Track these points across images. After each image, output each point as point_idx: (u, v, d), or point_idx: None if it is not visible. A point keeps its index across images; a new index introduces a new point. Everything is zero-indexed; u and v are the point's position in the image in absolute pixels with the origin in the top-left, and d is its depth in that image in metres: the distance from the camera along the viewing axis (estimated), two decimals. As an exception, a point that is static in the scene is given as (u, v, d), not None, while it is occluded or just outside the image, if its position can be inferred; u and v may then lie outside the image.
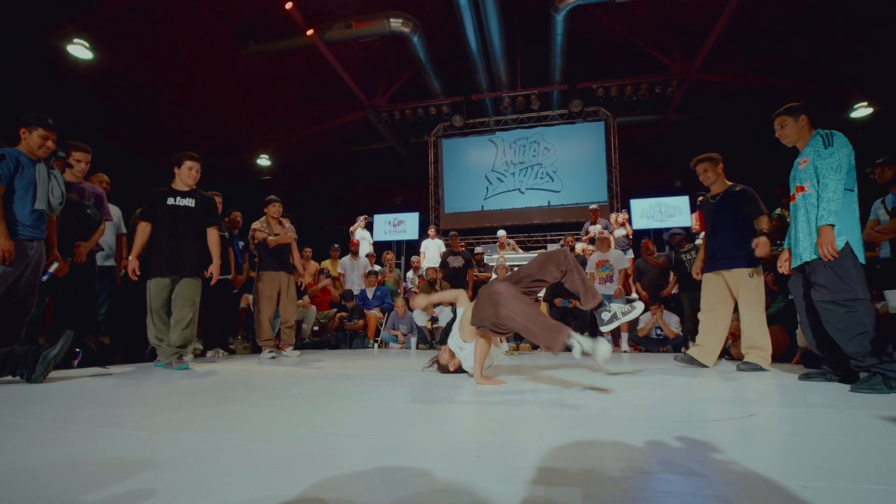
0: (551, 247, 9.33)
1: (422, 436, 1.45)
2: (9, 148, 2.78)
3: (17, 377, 2.48)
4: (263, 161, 11.77)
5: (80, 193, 3.67)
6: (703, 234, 4.59)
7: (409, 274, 8.28)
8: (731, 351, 4.63)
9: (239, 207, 5.96)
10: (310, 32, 8.19)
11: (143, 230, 3.59)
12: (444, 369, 3.06)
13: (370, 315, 6.70)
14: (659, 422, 1.62)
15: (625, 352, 5.67)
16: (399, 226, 11.68)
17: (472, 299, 7.26)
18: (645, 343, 5.75)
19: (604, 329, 2.54)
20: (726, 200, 3.59)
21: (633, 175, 10.90)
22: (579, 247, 7.52)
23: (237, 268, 5.24)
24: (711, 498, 0.90)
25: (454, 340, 2.91)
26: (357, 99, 10.34)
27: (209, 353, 4.68)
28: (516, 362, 4.20)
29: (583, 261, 6.98)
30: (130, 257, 3.52)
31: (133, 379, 2.87)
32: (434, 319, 6.57)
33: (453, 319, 6.62)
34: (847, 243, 2.45)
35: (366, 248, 8.55)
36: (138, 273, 3.50)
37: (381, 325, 6.81)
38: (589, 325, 6.11)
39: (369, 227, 9.49)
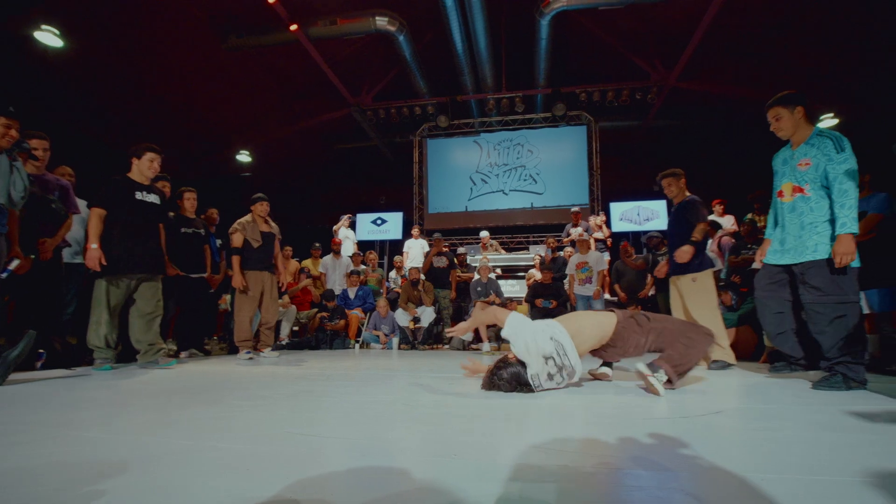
0: (534, 248, 9.42)
1: (399, 436, 1.46)
2: None
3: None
4: (244, 157, 11.60)
5: (43, 186, 3.47)
6: None
7: (392, 274, 8.27)
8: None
9: (217, 204, 5.86)
10: (293, 28, 8.11)
11: (101, 217, 3.37)
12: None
13: (351, 315, 6.66)
14: (631, 419, 1.66)
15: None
16: (382, 225, 11.64)
17: (454, 299, 7.24)
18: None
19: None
20: (679, 210, 3.81)
21: (613, 178, 11.10)
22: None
23: (214, 267, 5.15)
24: (676, 491, 0.94)
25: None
26: (341, 96, 10.28)
27: (183, 354, 4.57)
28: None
29: (564, 262, 7.09)
30: (93, 245, 3.28)
31: (101, 381, 2.79)
32: (416, 319, 6.57)
33: (436, 320, 6.69)
34: None
35: (349, 247, 8.50)
36: (104, 263, 3.30)
37: (363, 325, 6.78)
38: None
39: (352, 225, 9.44)
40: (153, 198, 3.65)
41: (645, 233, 7.46)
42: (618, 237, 9.01)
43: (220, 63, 8.90)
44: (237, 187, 12.20)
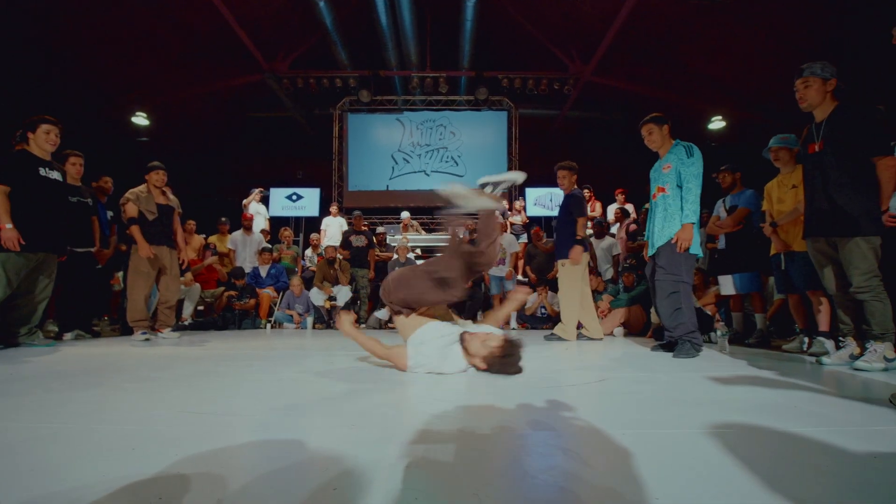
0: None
1: (303, 412, 1.45)
2: None
3: None
4: (140, 120, 10.36)
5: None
6: None
7: (308, 252, 7.98)
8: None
9: (109, 172, 5.23)
10: (199, -22, 7.32)
11: (6, 193, 3.24)
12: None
13: (263, 294, 6.36)
14: (530, 388, 1.81)
15: (513, 329, 6.10)
16: (298, 201, 11.13)
17: (373, 279, 7.17)
18: (531, 321, 6.24)
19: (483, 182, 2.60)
20: (565, 202, 4.44)
21: (530, 165, 11.57)
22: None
23: (103, 241, 4.63)
24: (556, 448, 1.05)
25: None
26: (254, 60, 9.51)
27: (67, 336, 4.09)
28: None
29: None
30: (8, 225, 3.17)
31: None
32: (332, 298, 6.44)
33: (353, 299, 6.59)
34: None
35: (261, 223, 8.04)
36: (23, 242, 3.20)
37: (276, 304, 6.51)
38: (482, 303, 6.46)
39: (265, 200, 8.92)
40: (56, 175, 3.57)
41: (556, 217, 7.93)
42: (532, 222, 9.48)
43: (113, 10, 7.79)
44: (133, 153, 10.92)
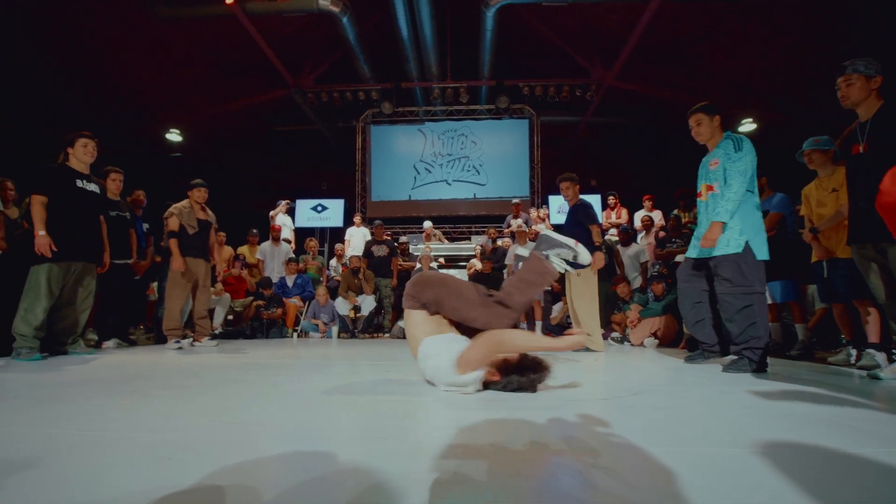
0: (476, 238, 9.56)
1: (331, 422, 1.44)
2: None
3: None
4: (174, 136, 10.77)
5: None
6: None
7: (333, 262, 8.08)
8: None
9: (144, 185, 5.43)
10: (230, 1, 7.59)
11: (43, 204, 3.32)
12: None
13: (289, 303, 6.45)
14: (561, 401, 1.75)
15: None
16: (323, 212, 11.31)
17: (395, 287, 7.21)
18: (557, 330, 6.13)
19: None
20: (572, 211, 4.38)
21: (552, 172, 11.45)
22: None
23: (140, 252, 4.80)
24: (595, 467, 1.01)
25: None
26: (281, 77, 9.80)
27: (107, 345, 4.26)
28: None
29: (504, 252, 7.27)
30: (41, 232, 3.24)
31: (6, 372, 2.53)
32: (357, 308, 6.48)
33: (377, 309, 6.62)
34: (747, 242, 2.67)
35: (286, 234, 8.20)
36: (55, 249, 3.27)
37: (301, 313, 6.59)
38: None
39: (291, 212, 9.09)
40: (93, 187, 3.67)
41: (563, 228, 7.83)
42: (556, 230, 9.36)
43: (148, 34, 8.15)
44: (167, 168, 11.33)
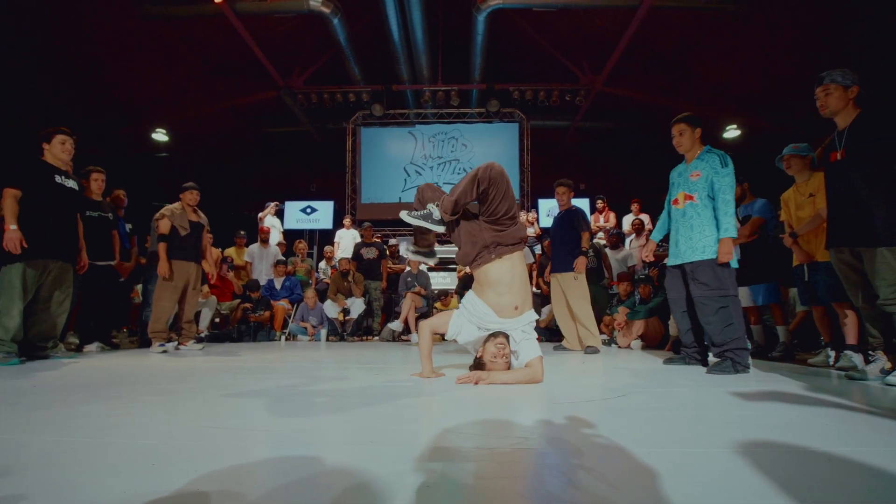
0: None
1: (319, 426, 1.44)
2: None
3: None
4: (160, 136, 10.64)
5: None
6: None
7: (322, 264, 8.04)
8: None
9: (127, 185, 5.35)
10: (219, 0, 7.54)
11: (16, 198, 3.18)
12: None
13: (277, 306, 6.40)
14: (548, 404, 1.77)
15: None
16: (312, 214, 11.25)
17: (385, 290, 7.19)
18: (546, 333, 6.16)
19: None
20: (564, 216, 4.48)
21: (542, 176, 11.54)
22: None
23: (123, 253, 4.72)
24: (579, 467, 1.02)
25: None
26: (270, 77, 9.74)
27: (87, 348, 4.17)
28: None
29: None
30: (12, 227, 3.11)
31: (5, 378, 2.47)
32: (346, 311, 6.45)
33: (366, 312, 6.60)
34: None
35: (276, 236, 8.13)
36: (25, 245, 3.13)
37: (290, 316, 6.55)
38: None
39: (279, 214, 9.03)
40: (72, 184, 3.57)
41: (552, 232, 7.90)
42: (545, 233, 9.42)
43: (134, 32, 8.05)
44: (153, 168, 11.18)
